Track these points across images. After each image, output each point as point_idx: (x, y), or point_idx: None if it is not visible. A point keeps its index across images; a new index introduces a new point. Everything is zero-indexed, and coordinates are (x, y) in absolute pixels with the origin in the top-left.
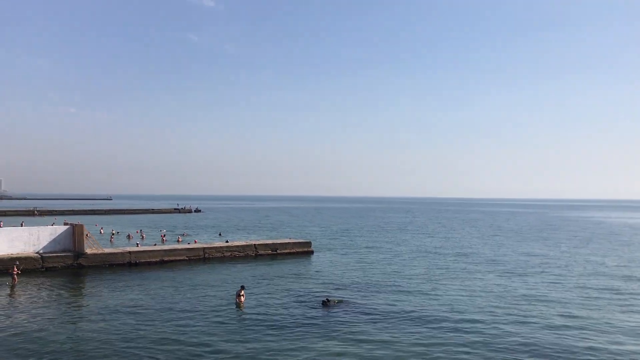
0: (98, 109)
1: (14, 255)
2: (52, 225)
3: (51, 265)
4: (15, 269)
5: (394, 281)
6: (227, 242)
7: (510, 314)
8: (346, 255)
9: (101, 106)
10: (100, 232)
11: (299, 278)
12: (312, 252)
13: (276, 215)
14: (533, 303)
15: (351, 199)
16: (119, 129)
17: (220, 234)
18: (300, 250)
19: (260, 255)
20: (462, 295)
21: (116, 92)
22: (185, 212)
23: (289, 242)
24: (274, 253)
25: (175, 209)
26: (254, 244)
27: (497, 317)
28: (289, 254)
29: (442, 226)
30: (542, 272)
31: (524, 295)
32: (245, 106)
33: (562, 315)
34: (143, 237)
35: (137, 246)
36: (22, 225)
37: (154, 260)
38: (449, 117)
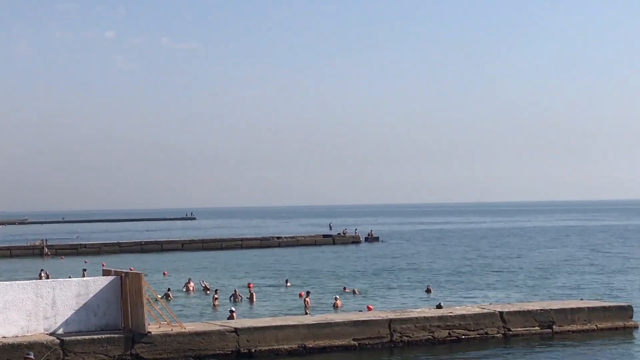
0: (166, 33)
1: (8, 340)
2: (82, 276)
3: None
4: None
5: None
6: (439, 306)
7: None
8: None
9: (170, 28)
10: (188, 289)
11: None
12: (634, 329)
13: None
14: None
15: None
16: (209, 72)
17: (428, 290)
18: (606, 324)
19: (517, 334)
20: None
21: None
22: (344, 242)
23: (580, 308)
24: (546, 331)
25: (326, 235)
26: (500, 312)
27: None
28: (579, 332)
29: None
30: None
31: None
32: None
33: None
34: (253, 296)
35: (231, 315)
36: (41, 277)
37: (287, 346)
38: None
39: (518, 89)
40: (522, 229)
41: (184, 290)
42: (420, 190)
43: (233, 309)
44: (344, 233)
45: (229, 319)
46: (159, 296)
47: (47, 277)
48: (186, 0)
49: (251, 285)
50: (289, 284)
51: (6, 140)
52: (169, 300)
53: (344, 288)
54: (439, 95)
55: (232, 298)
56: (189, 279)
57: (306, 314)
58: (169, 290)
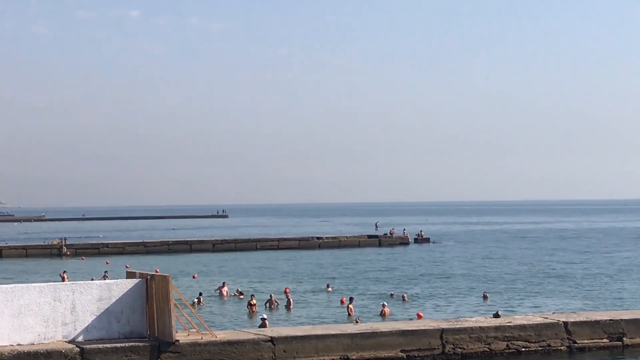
0: (194, 12)
1: (24, 348)
2: (104, 277)
3: None
4: None
5: None
6: (497, 315)
7: None
8: None
9: (199, 7)
10: (222, 294)
11: None
12: None
13: None
14: None
15: None
16: (242, 54)
17: (484, 296)
18: None
19: (583, 347)
20: None
21: None
22: (392, 243)
23: None
24: (616, 343)
25: (371, 236)
26: (564, 322)
27: None
28: None
29: None
30: None
31: None
32: None
33: None
34: (290, 302)
35: (264, 323)
36: (64, 278)
37: (327, 358)
38: None
39: (569, 84)
40: (587, 230)
41: (219, 295)
42: (474, 187)
43: (265, 316)
44: (391, 233)
45: (260, 327)
46: (189, 302)
47: (64, 280)
48: None
49: (288, 290)
50: (330, 289)
51: (21, 129)
52: (201, 306)
53: (391, 294)
54: (485, 89)
55: (267, 304)
56: (223, 283)
57: (356, 322)
58: (200, 295)
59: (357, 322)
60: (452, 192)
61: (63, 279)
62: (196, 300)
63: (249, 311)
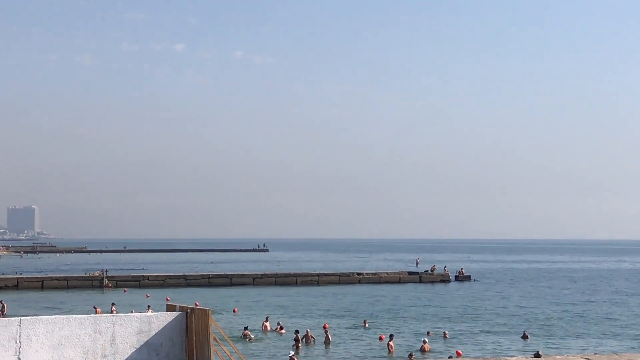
0: (239, 46)
1: None
2: (147, 310)
3: None
4: None
5: None
6: (537, 355)
7: None
8: None
9: (244, 41)
10: (266, 328)
11: None
12: None
13: None
14: None
15: None
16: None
17: (525, 336)
18: None
19: None
20: None
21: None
22: (432, 280)
23: None
24: None
25: (411, 272)
26: None
27: None
28: None
29: None
30: None
31: None
32: None
33: None
34: (329, 338)
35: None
36: (112, 311)
37: None
38: None
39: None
40: (631, 270)
41: (262, 329)
42: (519, 225)
43: (292, 353)
44: (431, 270)
45: None
46: (234, 336)
47: (97, 311)
48: (260, 11)
49: (327, 325)
50: (366, 325)
51: (63, 159)
52: (249, 341)
53: (428, 332)
54: (545, 126)
55: (304, 339)
56: (266, 317)
57: (410, 357)
58: (246, 329)
59: (411, 356)
60: (493, 230)
61: (96, 312)
62: (252, 336)
63: (296, 346)
